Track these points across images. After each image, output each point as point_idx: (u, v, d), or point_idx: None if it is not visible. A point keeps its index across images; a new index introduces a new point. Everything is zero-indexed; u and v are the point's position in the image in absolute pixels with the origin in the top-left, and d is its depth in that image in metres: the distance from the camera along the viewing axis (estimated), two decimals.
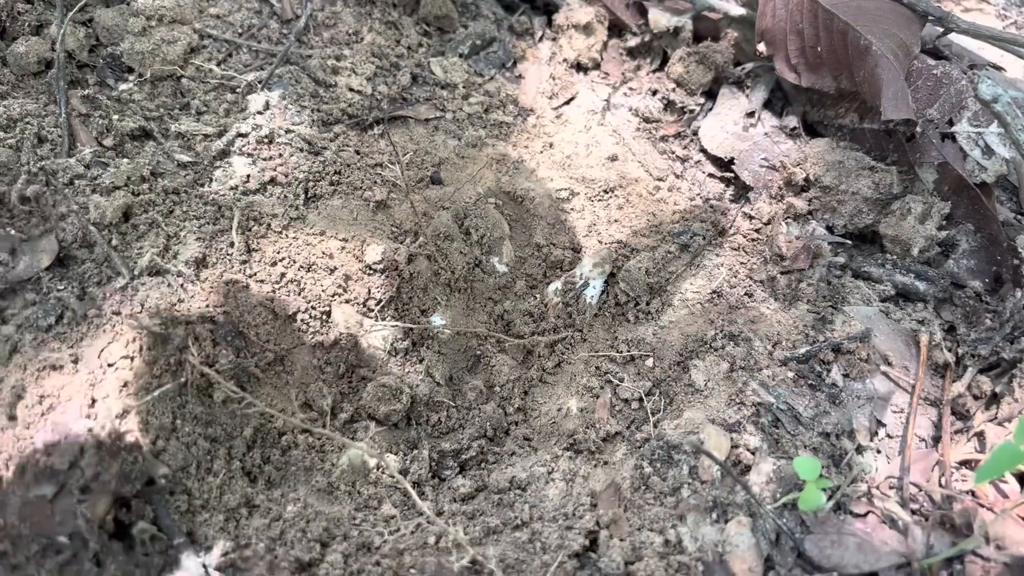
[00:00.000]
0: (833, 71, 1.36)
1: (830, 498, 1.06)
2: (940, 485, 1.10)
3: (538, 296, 1.28)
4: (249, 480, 1.01)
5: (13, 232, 1.19)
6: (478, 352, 1.27)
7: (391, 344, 1.22)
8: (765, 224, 1.34)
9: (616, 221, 1.33)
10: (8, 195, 1.23)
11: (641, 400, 1.16)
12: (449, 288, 1.28)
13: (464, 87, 1.49)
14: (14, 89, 1.34)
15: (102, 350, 1.01)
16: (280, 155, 1.31)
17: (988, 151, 1.28)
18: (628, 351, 1.22)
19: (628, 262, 1.27)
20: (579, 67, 1.55)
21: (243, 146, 1.31)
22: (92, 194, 1.18)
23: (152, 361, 1.00)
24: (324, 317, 1.19)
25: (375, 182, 1.33)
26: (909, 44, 1.29)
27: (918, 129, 1.31)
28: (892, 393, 1.19)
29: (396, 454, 1.13)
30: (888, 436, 1.16)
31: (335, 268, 1.22)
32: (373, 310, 1.23)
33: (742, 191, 1.42)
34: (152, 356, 1.00)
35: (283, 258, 1.20)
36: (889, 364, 1.20)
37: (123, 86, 1.40)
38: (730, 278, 1.27)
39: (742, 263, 1.31)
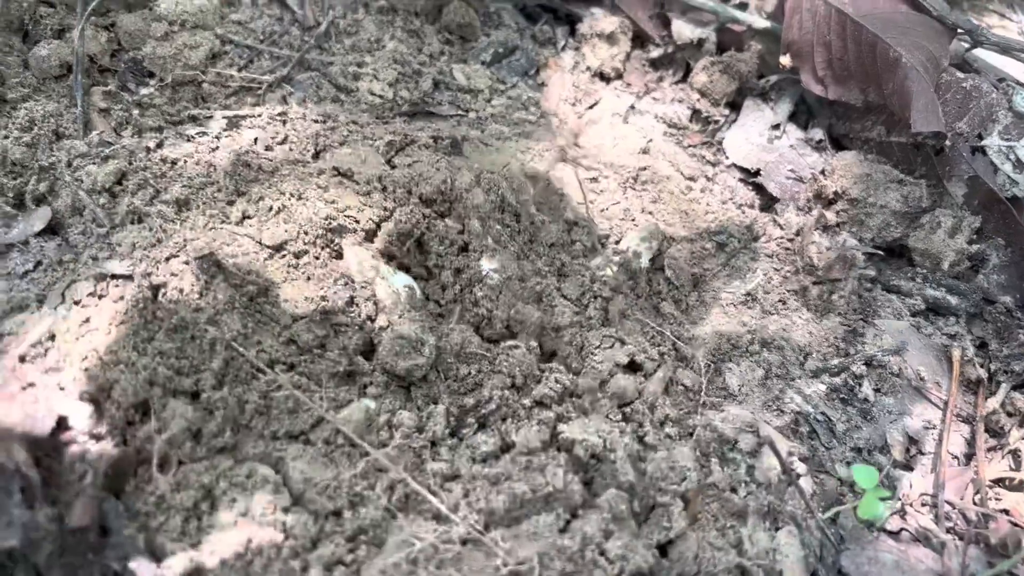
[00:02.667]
0: (861, 84, 1.35)
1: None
2: (975, 503, 1.08)
3: (582, 264, 1.22)
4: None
5: (10, 209, 1.19)
6: (539, 288, 1.15)
7: (408, 293, 1.11)
8: (795, 235, 1.33)
9: (650, 213, 1.30)
10: (23, 195, 1.22)
11: (701, 388, 1.10)
12: (509, 229, 1.20)
13: (487, 92, 1.48)
14: (35, 92, 1.33)
15: (64, 290, 0.99)
16: (293, 127, 1.28)
17: (1019, 165, 1.26)
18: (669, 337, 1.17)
19: (671, 249, 1.24)
20: (602, 76, 1.54)
21: (254, 122, 1.29)
22: (89, 165, 1.15)
23: (118, 298, 0.97)
24: (322, 251, 1.09)
25: (390, 133, 1.30)
26: (938, 57, 1.28)
27: (947, 142, 1.30)
28: (924, 409, 1.17)
29: (409, 410, 1.00)
30: (920, 453, 1.14)
31: (335, 201, 1.13)
32: (395, 250, 1.13)
33: (770, 201, 1.40)
34: (118, 293, 0.97)
35: (274, 191, 1.12)
36: (921, 379, 1.18)
37: (144, 90, 1.39)
38: (764, 284, 1.25)
39: (776, 270, 1.29)
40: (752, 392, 1.11)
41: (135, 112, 1.32)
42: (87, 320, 0.96)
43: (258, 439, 0.92)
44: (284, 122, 1.29)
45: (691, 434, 1.03)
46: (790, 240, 1.33)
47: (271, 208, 1.08)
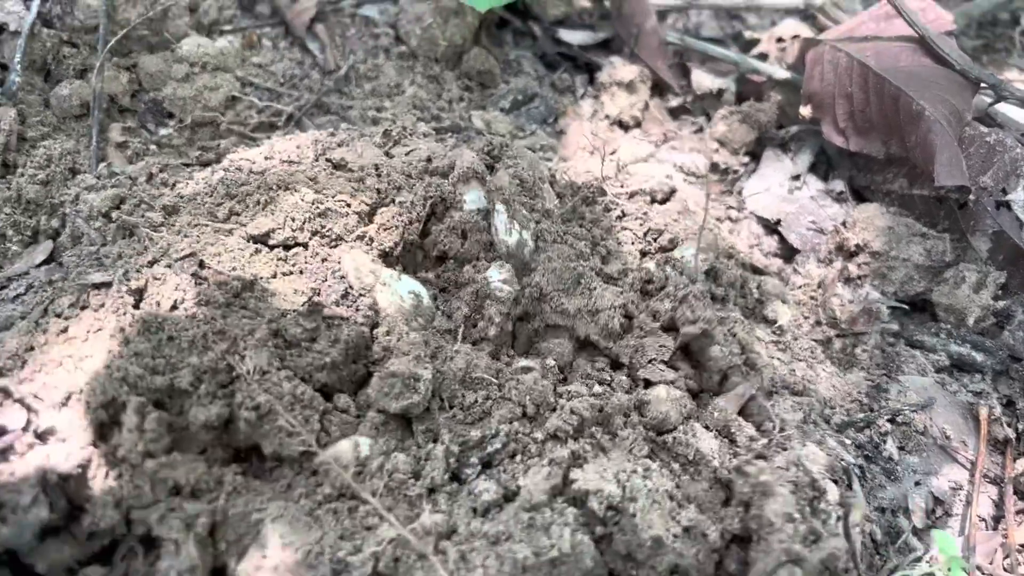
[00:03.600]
0: (883, 136, 1.34)
1: None
2: (1005, 569, 1.03)
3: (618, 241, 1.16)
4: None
5: (17, 248, 1.20)
6: (578, 271, 1.07)
7: (413, 301, 1.03)
8: (817, 287, 1.31)
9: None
10: (38, 233, 1.22)
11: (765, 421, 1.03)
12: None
13: (507, 138, 1.48)
14: (55, 131, 1.34)
15: (48, 305, 0.97)
16: (296, 143, 1.25)
17: None
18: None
19: (718, 265, 1.19)
20: (621, 124, 1.54)
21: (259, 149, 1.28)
22: (89, 194, 1.14)
23: (99, 307, 0.94)
24: (311, 238, 1.04)
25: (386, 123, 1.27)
26: (961, 111, 1.27)
27: (971, 197, 1.28)
28: (951, 469, 1.13)
29: (406, 450, 0.91)
30: (947, 515, 1.10)
31: (325, 188, 1.08)
32: (394, 252, 1.06)
33: (790, 252, 1.38)
34: (99, 301, 0.94)
35: (262, 187, 1.08)
36: (947, 438, 1.15)
37: (163, 131, 1.40)
38: (792, 328, 1.22)
39: (805, 317, 1.27)
40: (793, 435, 1.06)
41: (152, 148, 1.32)
42: (65, 330, 0.93)
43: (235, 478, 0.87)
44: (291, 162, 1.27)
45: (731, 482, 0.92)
46: (813, 292, 1.31)
47: (258, 201, 1.05)
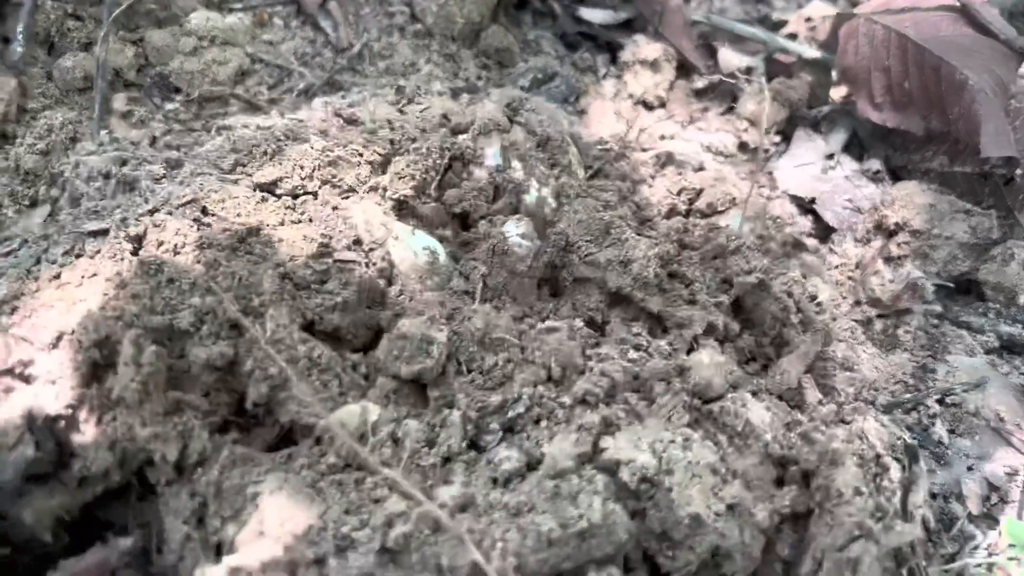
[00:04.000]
0: (923, 110, 1.27)
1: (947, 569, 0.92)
2: None
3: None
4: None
5: (13, 215, 1.15)
6: (607, 220, 1.00)
7: (429, 258, 0.96)
8: (855, 267, 1.23)
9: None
10: (36, 202, 1.16)
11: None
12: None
13: None
14: (57, 103, 1.28)
15: (41, 254, 0.91)
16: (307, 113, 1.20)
17: None
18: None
19: (765, 234, 1.11)
20: (645, 104, 1.48)
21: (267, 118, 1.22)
22: (90, 157, 1.07)
23: (94, 253, 0.88)
24: (321, 187, 0.97)
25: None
26: (1006, 81, 1.20)
27: (1019, 170, 1.21)
28: (1005, 453, 1.05)
29: (419, 417, 0.84)
30: (1003, 501, 1.02)
31: (336, 138, 1.02)
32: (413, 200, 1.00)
33: (826, 231, 1.31)
34: (95, 248, 0.88)
35: (270, 138, 1.02)
36: (1001, 420, 1.07)
37: (169, 105, 1.34)
38: (831, 307, 1.15)
39: (843, 297, 1.19)
40: (857, 406, 0.98)
41: (158, 119, 1.26)
42: (58, 276, 0.87)
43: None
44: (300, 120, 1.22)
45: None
46: (851, 272, 1.23)
47: (264, 152, 0.98)
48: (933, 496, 0.99)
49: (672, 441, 0.78)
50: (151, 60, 1.38)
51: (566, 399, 0.83)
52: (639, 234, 1.02)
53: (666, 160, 1.22)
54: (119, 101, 1.29)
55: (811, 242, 1.28)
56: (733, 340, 0.99)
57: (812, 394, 0.93)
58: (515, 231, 1.00)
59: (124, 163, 1.07)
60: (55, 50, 1.36)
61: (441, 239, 1.01)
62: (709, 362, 0.88)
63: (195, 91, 1.34)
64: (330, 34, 1.48)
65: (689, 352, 0.94)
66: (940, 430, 1.05)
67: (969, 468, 1.03)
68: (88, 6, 1.37)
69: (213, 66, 1.36)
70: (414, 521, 0.71)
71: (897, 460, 0.91)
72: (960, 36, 1.25)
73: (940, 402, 1.07)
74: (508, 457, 0.78)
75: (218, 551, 0.76)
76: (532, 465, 0.78)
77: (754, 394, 0.89)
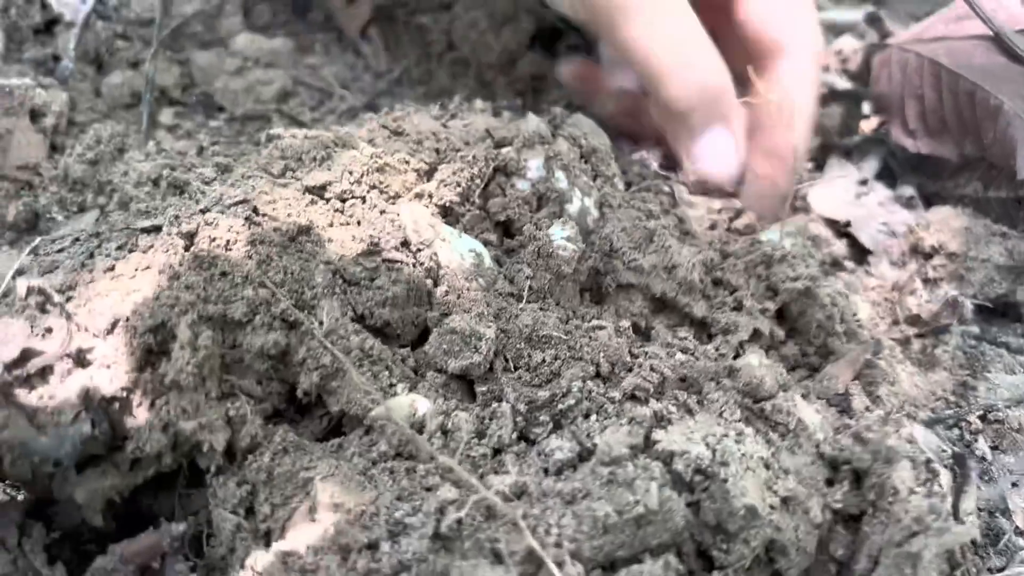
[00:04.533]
0: (957, 136, 1.29)
1: None
2: None
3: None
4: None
5: (62, 219, 1.16)
6: (651, 228, 1.00)
7: (474, 260, 0.96)
8: (891, 289, 1.23)
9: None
10: (84, 209, 1.18)
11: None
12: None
13: None
14: (105, 118, 1.31)
15: (94, 250, 0.93)
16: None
17: None
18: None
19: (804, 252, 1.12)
20: None
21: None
22: (138, 164, 1.10)
23: (147, 248, 0.89)
24: (369, 191, 0.98)
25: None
26: None
27: None
28: None
29: (469, 410, 0.84)
30: None
31: (383, 147, 1.03)
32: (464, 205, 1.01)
33: (861, 254, 1.32)
34: (147, 243, 0.89)
35: (319, 146, 1.03)
36: None
37: (213, 123, 1.37)
38: (869, 327, 1.15)
39: (881, 318, 1.19)
40: (904, 414, 0.98)
41: (204, 132, 1.29)
42: (112, 268, 0.88)
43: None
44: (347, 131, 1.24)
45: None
46: (887, 294, 1.24)
47: (314, 158, 1.00)
48: (979, 511, 0.98)
49: (725, 435, 0.77)
50: (196, 80, 1.41)
51: (615, 394, 0.84)
52: (682, 243, 1.03)
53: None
54: (166, 116, 1.33)
55: (847, 264, 1.29)
56: (778, 348, 0.99)
57: (859, 401, 0.93)
58: (561, 234, 1.01)
59: (173, 168, 1.09)
60: (103, 68, 1.40)
61: (485, 244, 1.02)
62: (759, 363, 0.88)
63: (238, 110, 1.37)
64: (370, 60, 1.52)
65: (735, 358, 0.93)
66: (983, 446, 1.04)
67: (1014, 484, 1.01)
68: (137, 27, 1.42)
69: (257, 86, 1.39)
70: (468, 507, 0.70)
71: (946, 467, 0.90)
72: (993, 64, 1.27)
73: (982, 419, 1.06)
74: (560, 447, 0.77)
75: (267, 540, 0.76)
76: (584, 456, 0.77)
77: (803, 396, 0.89)
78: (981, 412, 1.07)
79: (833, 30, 1.67)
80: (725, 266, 1.00)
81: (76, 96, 1.33)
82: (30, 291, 0.79)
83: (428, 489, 0.76)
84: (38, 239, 1.09)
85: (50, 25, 1.41)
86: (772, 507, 0.76)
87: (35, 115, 1.26)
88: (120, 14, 1.41)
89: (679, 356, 0.89)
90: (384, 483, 0.77)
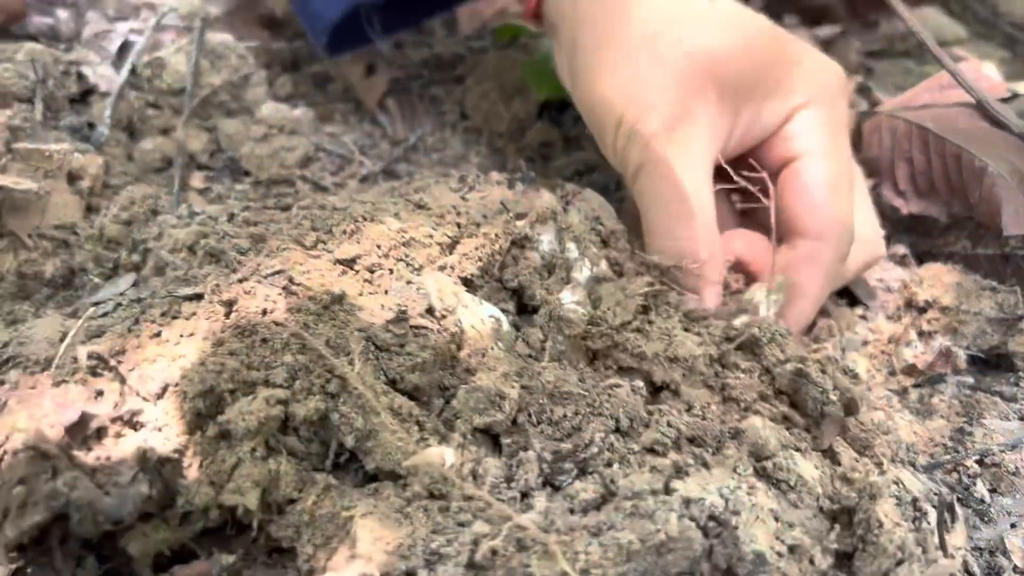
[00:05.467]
0: (945, 196, 1.37)
1: None
2: None
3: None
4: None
5: (99, 281, 1.21)
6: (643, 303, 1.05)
7: (494, 325, 1.02)
8: (887, 343, 1.30)
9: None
10: (118, 267, 1.23)
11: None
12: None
13: None
14: (137, 181, 1.38)
15: (139, 315, 0.98)
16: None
17: None
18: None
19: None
20: None
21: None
22: (173, 230, 1.16)
23: (190, 315, 0.94)
24: (397, 263, 1.04)
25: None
26: (1022, 169, 1.30)
27: None
28: None
29: (498, 456, 0.90)
30: None
31: (409, 221, 1.10)
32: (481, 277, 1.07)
33: (856, 308, 1.38)
34: (190, 310, 0.95)
35: (347, 219, 1.09)
36: None
37: (239, 186, 1.44)
38: (867, 379, 1.21)
39: (877, 370, 1.25)
40: (892, 462, 1.03)
41: (232, 197, 1.36)
42: (158, 334, 0.93)
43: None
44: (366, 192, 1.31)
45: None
46: (884, 347, 1.30)
47: (344, 231, 1.06)
48: (979, 551, 1.03)
49: (739, 487, 0.83)
50: (223, 146, 1.49)
51: (635, 446, 0.89)
52: (685, 328, 1.08)
53: None
54: (196, 179, 1.40)
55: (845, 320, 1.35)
56: (778, 421, 1.04)
57: (847, 454, 0.98)
58: (570, 298, 1.08)
59: (205, 236, 1.15)
60: (135, 134, 1.47)
61: (503, 310, 1.09)
62: (762, 425, 0.94)
63: (264, 174, 1.45)
64: (387, 128, 1.59)
65: (742, 419, 0.99)
66: (982, 489, 1.09)
67: (1012, 525, 1.07)
68: (168, 97, 1.49)
69: (281, 152, 1.46)
70: (503, 537, 0.76)
71: (934, 507, 0.96)
72: (976, 129, 1.35)
73: (980, 463, 1.11)
74: (585, 489, 0.83)
75: None
76: (607, 498, 0.83)
77: (799, 451, 0.95)
78: (978, 456, 1.12)
79: None
80: (725, 351, 1.06)
81: (110, 160, 1.40)
82: (90, 357, 0.84)
83: (461, 524, 0.81)
84: (79, 302, 1.15)
85: (86, 95, 1.49)
86: (779, 554, 0.81)
87: (72, 178, 1.33)
88: (152, 84, 1.48)
89: (685, 417, 0.95)
90: (419, 520, 0.81)
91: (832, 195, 1.13)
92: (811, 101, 1.14)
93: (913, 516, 0.88)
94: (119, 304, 1.08)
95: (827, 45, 2.14)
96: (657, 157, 1.10)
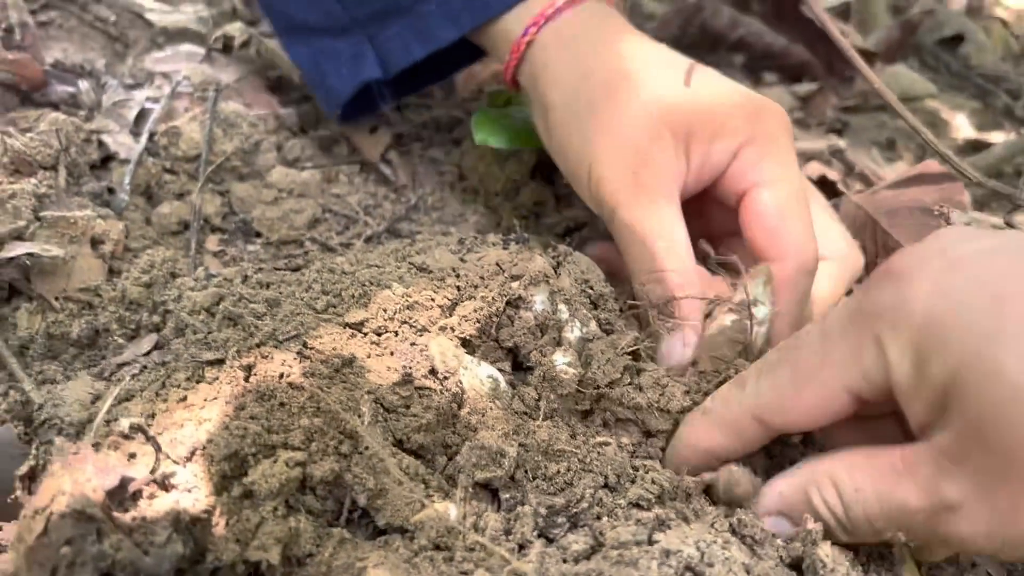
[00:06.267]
0: None
1: None
2: None
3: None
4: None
5: (123, 341, 1.30)
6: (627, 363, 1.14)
7: (492, 385, 1.11)
8: None
9: None
10: (139, 328, 1.32)
11: None
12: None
13: None
14: (155, 244, 1.47)
15: (165, 380, 1.08)
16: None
17: None
18: None
19: None
20: None
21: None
22: (191, 292, 1.25)
23: (213, 379, 1.03)
24: (401, 326, 1.13)
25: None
26: None
27: None
28: None
29: (497, 510, 1.00)
30: None
31: (412, 285, 1.20)
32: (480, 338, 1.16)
33: None
34: (213, 375, 1.04)
35: (355, 284, 1.20)
36: None
37: (251, 247, 1.53)
38: None
39: None
40: None
41: (245, 259, 1.45)
42: (184, 399, 1.02)
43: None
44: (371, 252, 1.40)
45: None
46: None
47: (352, 295, 1.17)
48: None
49: (714, 541, 0.92)
50: (235, 209, 1.58)
51: (622, 501, 0.99)
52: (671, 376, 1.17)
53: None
54: (211, 242, 1.49)
55: None
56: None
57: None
58: (562, 360, 1.17)
59: (222, 299, 1.25)
60: (153, 199, 1.57)
61: (500, 370, 1.18)
62: (738, 469, 1.04)
63: (275, 235, 1.54)
64: (390, 177, 1.70)
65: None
66: None
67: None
68: (183, 163, 1.59)
69: (290, 214, 1.56)
70: None
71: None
72: (922, 226, 1.44)
73: None
74: (576, 541, 0.93)
75: None
76: (596, 548, 0.92)
77: None
78: None
79: (803, 157, 1.86)
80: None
81: (129, 225, 1.48)
82: (132, 428, 0.93)
83: (464, 573, 0.90)
84: (104, 361, 1.24)
85: (105, 161, 1.58)
86: None
87: (95, 242, 1.41)
88: (168, 152, 1.57)
89: (668, 473, 1.04)
90: (426, 569, 0.91)
91: (785, 217, 1.23)
92: (754, 137, 1.25)
93: (852, 557, 0.97)
94: (145, 367, 1.17)
95: (805, 101, 2.25)
96: (626, 200, 1.23)
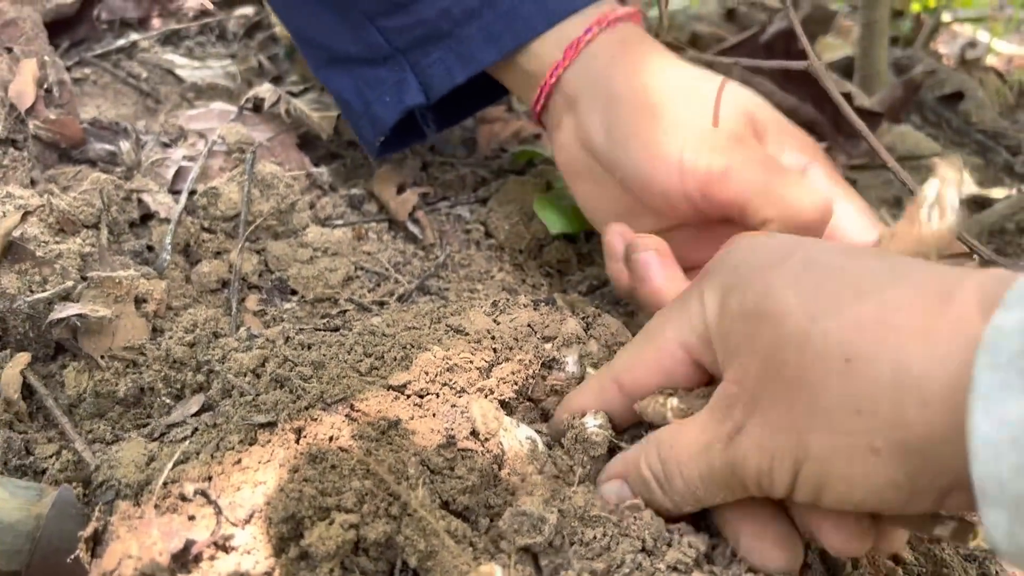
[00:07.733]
0: None
1: None
2: None
3: None
4: None
5: (170, 401, 1.33)
6: None
7: (531, 446, 1.15)
8: None
9: None
10: (184, 388, 1.36)
11: None
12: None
13: None
14: (195, 302, 1.52)
15: (219, 442, 1.12)
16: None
17: None
18: None
19: None
20: None
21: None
22: (237, 354, 1.30)
23: (265, 442, 1.08)
24: (442, 388, 1.18)
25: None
26: None
27: None
28: None
29: (539, 574, 1.01)
30: None
31: (450, 348, 1.24)
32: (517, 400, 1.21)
33: None
34: (265, 438, 1.09)
35: (396, 346, 1.25)
36: None
37: (287, 305, 1.59)
38: None
39: None
40: None
41: (284, 318, 1.50)
42: (239, 461, 1.06)
43: None
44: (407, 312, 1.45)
45: None
46: None
47: (395, 358, 1.22)
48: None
49: None
50: (271, 267, 1.64)
51: (661, 565, 1.02)
52: None
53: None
54: (251, 301, 1.54)
55: None
56: None
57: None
58: (593, 423, 1.21)
59: (266, 360, 1.29)
60: (191, 257, 1.62)
61: (536, 431, 1.22)
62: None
63: (310, 294, 1.59)
64: (419, 240, 1.75)
65: None
66: None
67: None
68: (221, 222, 1.65)
69: (326, 273, 1.61)
70: None
71: None
72: None
73: None
74: None
75: None
76: None
77: None
78: None
79: None
80: None
81: (171, 283, 1.53)
82: (196, 493, 0.98)
83: None
84: (152, 421, 1.29)
85: (145, 219, 1.63)
86: None
87: (138, 301, 1.46)
88: (207, 211, 1.63)
89: (703, 535, 1.09)
90: None
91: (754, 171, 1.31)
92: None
93: None
94: (196, 428, 1.21)
95: None
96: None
